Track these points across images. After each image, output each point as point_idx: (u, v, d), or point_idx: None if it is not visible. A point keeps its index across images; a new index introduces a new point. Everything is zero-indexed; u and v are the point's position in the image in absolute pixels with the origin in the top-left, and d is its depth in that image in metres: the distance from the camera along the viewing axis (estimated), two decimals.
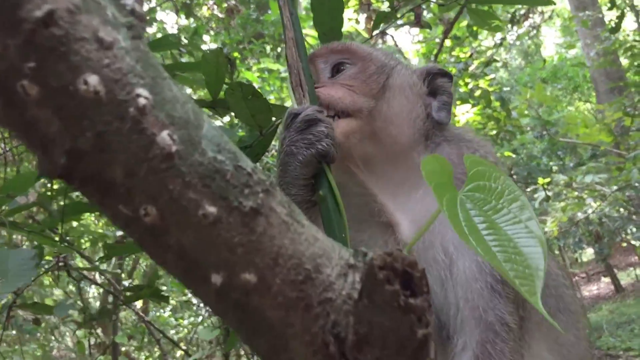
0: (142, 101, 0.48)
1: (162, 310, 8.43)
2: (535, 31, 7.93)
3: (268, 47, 9.71)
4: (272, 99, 7.53)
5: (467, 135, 1.51)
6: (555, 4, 1.86)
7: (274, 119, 1.52)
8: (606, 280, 18.92)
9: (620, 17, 6.01)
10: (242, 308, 0.54)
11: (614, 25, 5.93)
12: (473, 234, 0.73)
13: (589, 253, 19.40)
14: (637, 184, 9.67)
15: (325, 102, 1.27)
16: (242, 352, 6.14)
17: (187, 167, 0.50)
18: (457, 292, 1.25)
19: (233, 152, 0.53)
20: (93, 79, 0.46)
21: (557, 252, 14.63)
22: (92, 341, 6.43)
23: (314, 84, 1.12)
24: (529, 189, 9.12)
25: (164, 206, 0.50)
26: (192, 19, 9.87)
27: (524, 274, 0.72)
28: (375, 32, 1.89)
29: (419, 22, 2.28)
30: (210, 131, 0.52)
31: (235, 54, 8.66)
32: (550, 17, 13.06)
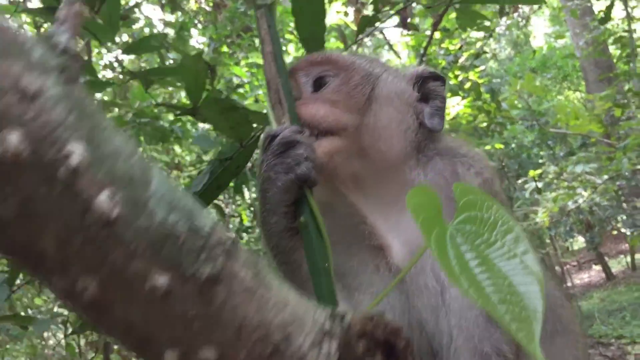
0: (75, 159, 0.40)
1: None
2: (524, 22, 7.88)
3: (257, 41, 9.59)
4: (260, 93, 7.44)
5: (461, 149, 1.41)
6: (545, 2, 1.79)
7: (255, 125, 1.45)
8: (597, 268, 19.03)
9: (610, 7, 5.96)
10: None
11: (603, 15, 5.89)
12: (464, 272, 0.66)
13: (580, 241, 19.52)
14: (627, 174, 9.69)
15: (307, 121, 1.18)
16: None
17: (132, 233, 0.43)
18: (450, 321, 1.18)
19: (188, 209, 0.46)
20: (14, 138, 0.39)
21: (548, 240, 14.70)
22: (84, 341, 6.37)
23: (294, 100, 1.04)
24: (519, 181, 9.11)
25: (105, 279, 0.42)
26: (179, 13, 9.72)
27: (521, 317, 0.65)
28: (361, 36, 1.82)
29: (405, 25, 2.21)
30: (161, 187, 0.45)
31: (224, 49, 8.54)
32: (540, 7, 13.01)
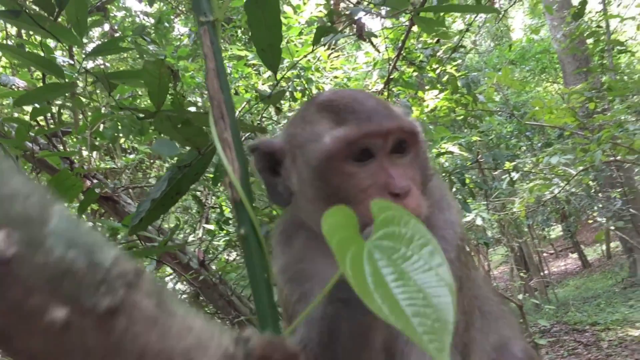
0: None
1: None
2: (502, 15, 7.93)
3: (239, 31, 9.53)
4: (240, 85, 7.40)
5: (447, 196, 1.54)
6: (500, 12, 1.82)
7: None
8: (574, 256, 19.42)
9: (584, 2, 6.03)
10: None
11: (577, 10, 5.97)
12: (380, 289, 0.69)
13: (557, 230, 19.85)
14: (603, 166, 9.87)
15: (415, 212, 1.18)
16: None
17: (29, 270, 0.45)
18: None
19: (89, 245, 0.48)
20: None
21: (526, 229, 14.94)
22: None
23: (235, 115, 1.06)
24: (495, 172, 9.22)
25: (3, 315, 0.45)
26: (161, 3, 9.61)
27: (433, 329, 0.68)
28: (316, 46, 1.84)
29: (361, 35, 2.23)
30: (60, 225, 0.47)
31: None
32: (520, 0, 13.09)
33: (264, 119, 6.55)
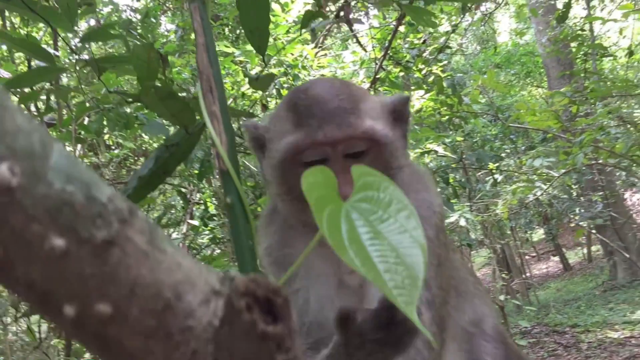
0: None
1: None
2: (487, 18, 8.05)
3: (227, 29, 9.54)
4: (227, 82, 7.41)
5: (424, 177, 1.61)
6: (481, 1, 1.88)
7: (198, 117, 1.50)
8: (555, 259, 19.66)
9: (567, 6, 6.15)
10: (100, 337, 0.54)
11: (561, 14, 6.08)
12: (354, 244, 0.73)
13: (539, 233, 20.07)
14: (584, 168, 10.02)
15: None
16: None
17: (31, 200, 0.48)
18: None
19: (86, 181, 0.52)
20: None
21: (509, 232, 15.10)
22: (45, 326, 6.33)
23: (223, 89, 1.10)
24: (479, 173, 9.33)
25: (6, 241, 0.48)
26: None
27: (403, 284, 0.73)
28: (304, 30, 1.89)
29: (348, 21, 2.27)
30: (60, 161, 0.51)
31: (191, 36, 8.47)
32: (506, 4, 13.25)
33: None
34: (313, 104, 1.38)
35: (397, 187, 0.80)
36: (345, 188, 1.28)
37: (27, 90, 2.55)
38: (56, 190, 0.50)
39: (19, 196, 0.48)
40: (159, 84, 1.82)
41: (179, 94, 1.59)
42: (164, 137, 1.89)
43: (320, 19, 1.89)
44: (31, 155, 0.49)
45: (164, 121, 2.45)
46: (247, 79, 7.03)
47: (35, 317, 6.21)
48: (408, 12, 2.02)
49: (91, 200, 0.52)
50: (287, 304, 0.56)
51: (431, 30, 7.49)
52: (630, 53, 7.61)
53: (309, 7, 6.88)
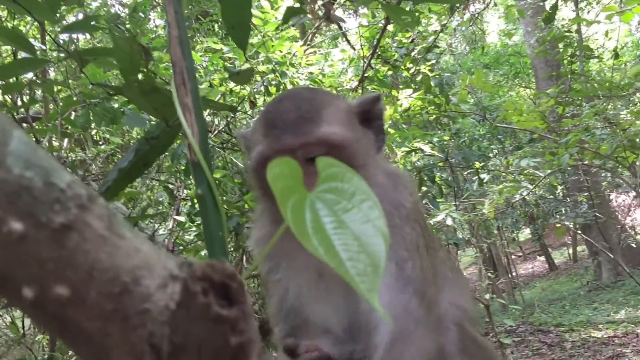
0: None
1: None
2: (475, 18, 8.09)
3: (216, 26, 9.52)
4: (215, 79, 7.39)
5: (398, 171, 1.70)
6: (467, 1, 1.90)
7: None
8: (541, 259, 19.84)
9: (554, 8, 6.21)
10: (59, 319, 0.56)
11: (548, 15, 6.14)
12: (318, 233, 0.75)
13: (526, 233, 20.24)
14: (569, 168, 10.12)
15: None
16: None
17: None
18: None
19: (45, 168, 0.54)
20: None
21: (495, 231, 15.21)
22: (28, 322, 6.30)
23: (196, 82, 1.11)
24: (467, 172, 9.39)
25: None
26: None
27: (365, 272, 0.75)
28: (285, 26, 1.90)
29: (329, 18, 2.29)
30: (19, 147, 0.52)
31: None
32: (495, 4, 13.33)
33: (239, 112, 6.58)
34: (276, 116, 1.55)
35: (362, 179, 0.82)
36: (310, 188, 1.38)
37: (11, 80, 2.54)
38: (15, 175, 0.51)
39: None
40: (142, 77, 1.82)
41: (164, 88, 1.60)
42: (144, 130, 1.90)
43: (302, 16, 1.90)
44: None
45: (144, 115, 2.45)
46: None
47: (18, 312, 6.18)
48: (387, 12, 2.04)
49: (50, 186, 0.53)
50: (242, 288, 0.58)
51: (419, 29, 7.53)
52: (616, 55, 7.69)
53: (294, 4, 6.90)
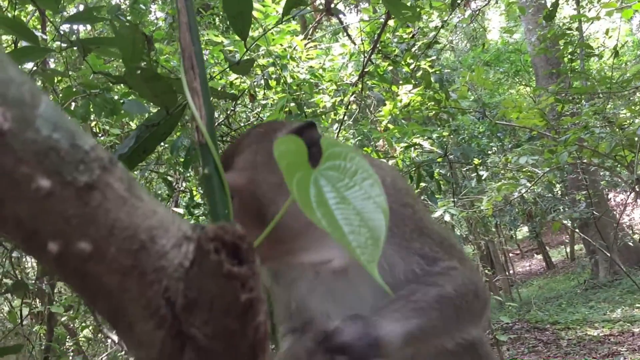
0: None
1: None
2: (476, 15, 8.12)
3: (217, 19, 9.54)
4: (215, 71, 7.42)
5: (374, 161, 1.72)
6: None
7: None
8: (539, 257, 19.92)
9: (555, 5, 6.24)
10: (81, 274, 0.60)
11: (549, 12, 6.17)
12: (321, 207, 0.79)
13: (524, 231, 20.31)
14: (567, 166, 10.16)
15: None
16: None
17: (20, 144, 0.54)
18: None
19: (71, 131, 0.58)
20: None
21: (493, 229, 15.27)
22: (27, 311, 6.33)
23: (204, 68, 1.15)
24: (465, 169, 9.42)
25: None
26: None
27: (366, 244, 0.79)
28: (286, 18, 1.93)
29: (329, 10, 2.31)
30: (47, 111, 0.56)
31: None
32: (496, 2, 13.34)
33: (238, 106, 6.61)
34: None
35: (363, 158, 0.86)
36: None
37: None
38: (43, 136, 0.55)
39: (9, 140, 0.53)
40: (144, 66, 1.86)
41: (165, 76, 1.63)
42: (143, 117, 1.93)
43: (302, 7, 1.93)
44: (21, 103, 0.54)
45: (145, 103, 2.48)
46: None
47: (17, 301, 6.22)
48: (387, 5, 2.07)
49: (75, 148, 0.57)
50: (251, 249, 0.62)
51: (420, 25, 7.56)
52: (616, 53, 7.72)
53: None
